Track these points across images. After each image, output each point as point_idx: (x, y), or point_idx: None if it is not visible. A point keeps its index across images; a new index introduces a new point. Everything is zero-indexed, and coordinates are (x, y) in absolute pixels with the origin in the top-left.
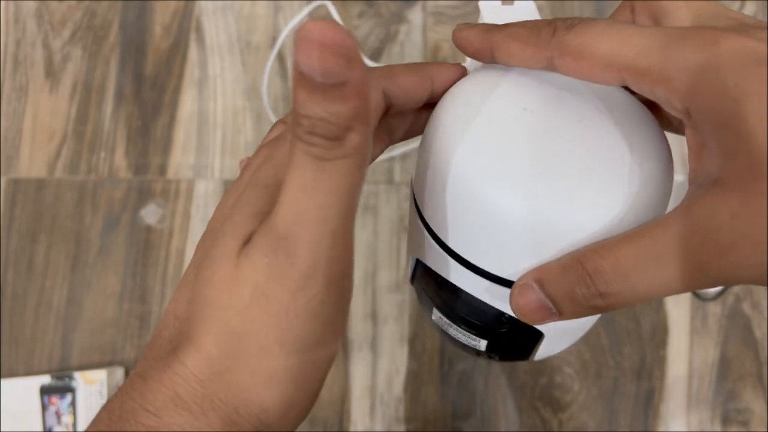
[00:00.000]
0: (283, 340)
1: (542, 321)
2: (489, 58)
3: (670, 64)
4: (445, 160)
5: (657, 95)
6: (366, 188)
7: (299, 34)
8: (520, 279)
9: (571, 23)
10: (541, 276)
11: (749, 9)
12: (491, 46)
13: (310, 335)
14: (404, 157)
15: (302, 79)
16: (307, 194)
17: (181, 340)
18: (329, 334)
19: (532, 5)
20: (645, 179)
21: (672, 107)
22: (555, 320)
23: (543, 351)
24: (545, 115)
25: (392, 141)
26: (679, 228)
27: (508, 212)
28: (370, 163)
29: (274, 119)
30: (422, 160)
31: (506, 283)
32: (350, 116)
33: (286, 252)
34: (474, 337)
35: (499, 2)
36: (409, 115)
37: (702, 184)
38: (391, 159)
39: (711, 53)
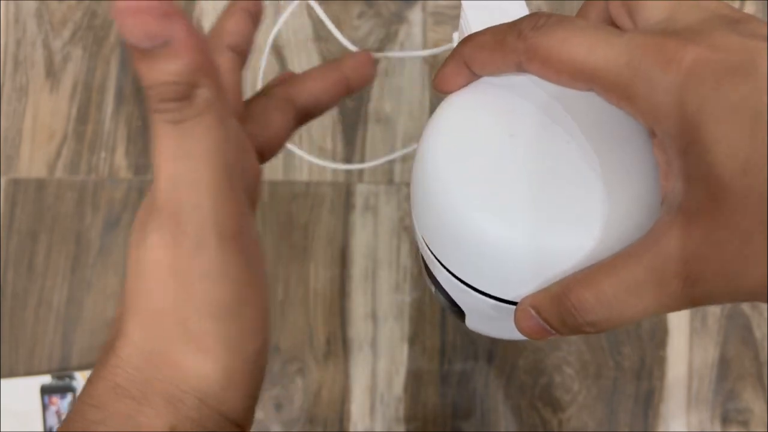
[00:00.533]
0: (197, 307)
1: (545, 338)
2: (471, 75)
3: (635, 82)
4: (434, 192)
5: (624, 110)
6: (366, 188)
7: (113, 10)
8: (520, 304)
9: (536, 23)
10: (534, 303)
11: (749, 9)
12: (465, 63)
13: (223, 297)
14: (405, 158)
15: (135, 52)
16: (176, 162)
17: (115, 336)
18: (246, 294)
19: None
20: (636, 198)
21: (639, 122)
22: (557, 337)
23: None
24: (532, 140)
25: (300, 113)
26: (650, 259)
27: (498, 242)
28: (271, 133)
29: None
30: (414, 189)
31: (505, 301)
32: (189, 72)
33: (174, 222)
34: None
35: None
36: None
37: (670, 208)
38: (391, 159)
39: (674, 73)
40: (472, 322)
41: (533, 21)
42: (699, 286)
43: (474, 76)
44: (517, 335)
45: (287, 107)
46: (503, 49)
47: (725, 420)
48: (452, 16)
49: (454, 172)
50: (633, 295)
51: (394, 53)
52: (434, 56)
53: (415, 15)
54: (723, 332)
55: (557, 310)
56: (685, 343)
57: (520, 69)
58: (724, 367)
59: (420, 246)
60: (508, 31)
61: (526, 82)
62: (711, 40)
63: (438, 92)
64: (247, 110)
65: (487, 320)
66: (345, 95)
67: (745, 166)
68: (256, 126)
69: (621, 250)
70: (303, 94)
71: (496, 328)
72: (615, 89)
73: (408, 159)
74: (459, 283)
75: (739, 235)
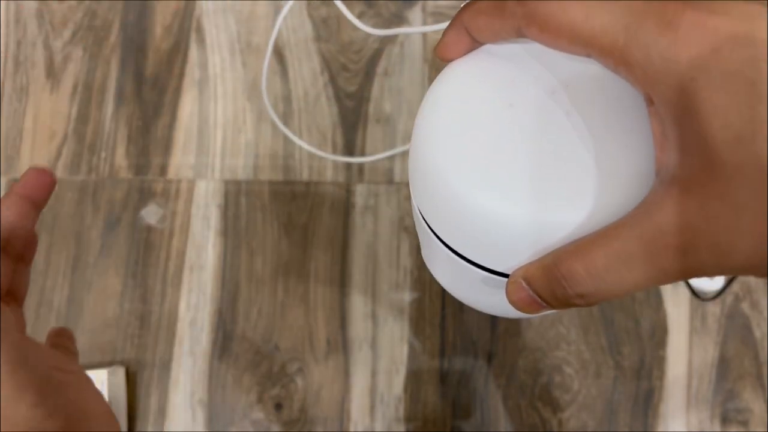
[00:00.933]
0: None
1: (537, 312)
2: (472, 43)
3: (631, 47)
4: (431, 164)
5: (620, 76)
6: (366, 188)
7: None
8: (511, 276)
9: None
10: (526, 275)
11: None
12: (465, 29)
13: None
14: (405, 156)
15: None
16: None
17: None
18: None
19: None
20: (631, 170)
21: (636, 89)
22: (548, 311)
23: None
24: (531, 111)
25: (7, 251)
26: (643, 230)
27: (494, 215)
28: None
29: (275, 118)
30: (413, 161)
31: (500, 274)
32: None
33: None
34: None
35: None
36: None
37: (664, 180)
38: (392, 159)
39: (670, 39)
40: (461, 295)
41: None
42: (691, 258)
43: (475, 44)
44: (512, 311)
45: (2, 254)
46: (502, 14)
47: (725, 420)
48: (452, 16)
49: (452, 144)
50: (624, 266)
51: (399, 30)
52: (434, 56)
53: (415, 15)
54: (723, 332)
55: (548, 281)
56: (685, 343)
57: (519, 34)
58: (723, 366)
59: (416, 217)
60: None
61: (526, 51)
62: (711, 4)
63: (440, 60)
64: None
65: (481, 295)
66: (37, 214)
67: (740, 137)
68: None
69: (614, 222)
70: (5, 230)
71: (491, 304)
72: (612, 54)
73: (407, 159)
74: (454, 255)
75: (732, 207)
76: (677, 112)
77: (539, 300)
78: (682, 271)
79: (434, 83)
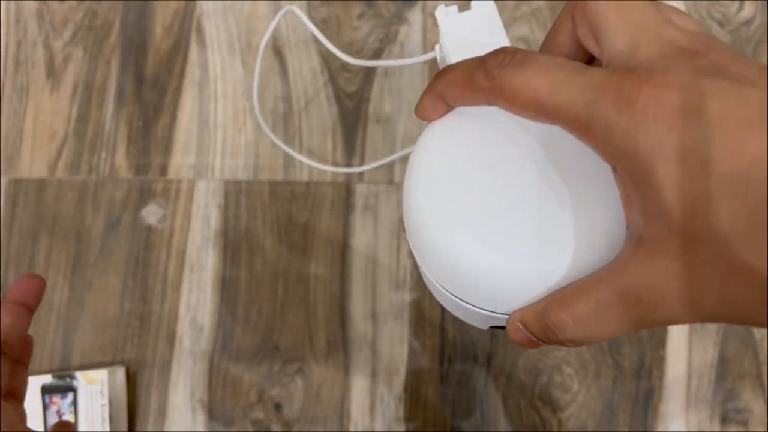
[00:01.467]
0: None
1: (536, 347)
2: (447, 107)
3: (593, 123)
4: (422, 222)
5: (586, 144)
6: (366, 188)
7: None
8: (510, 317)
9: (502, 61)
10: (522, 319)
11: (748, 10)
12: (440, 97)
13: None
14: (405, 158)
15: None
16: None
17: None
18: None
19: (491, 5)
20: (606, 226)
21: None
22: (547, 345)
23: None
24: (509, 171)
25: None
26: (617, 285)
27: (480, 266)
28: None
29: (265, 127)
30: (405, 214)
31: (495, 312)
32: None
33: None
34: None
35: (455, 8)
36: None
37: (632, 237)
38: (392, 160)
39: (628, 117)
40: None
41: (499, 59)
42: (661, 311)
43: (450, 107)
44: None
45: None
46: (473, 86)
47: (724, 420)
48: None
49: (439, 204)
50: (604, 316)
51: (385, 62)
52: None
53: (415, 15)
54: (722, 332)
55: (541, 326)
56: (685, 343)
57: (489, 104)
58: (723, 366)
59: (417, 262)
60: (477, 68)
61: (499, 112)
62: (666, 78)
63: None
64: None
65: (480, 321)
66: (31, 317)
67: (694, 209)
68: None
69: (592, 273)
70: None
71: (489, 324)
72: (576, 127)
73: (407, 159)
74: (450, 294)
75: (692, 268)
76: (638, 184)
77: (535, 340)
78: (656, 322)
79: (417, 144)
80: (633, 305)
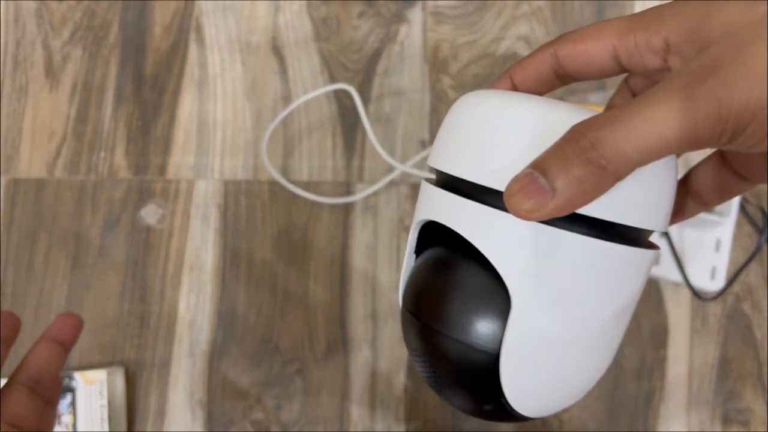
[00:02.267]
0: None
1: (536, 205)
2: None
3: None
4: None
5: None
6: (366, 188)
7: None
8: (519, 173)
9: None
10: (538, 163)
11: None
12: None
13: None
14: (404, 159)
15: None
16: None
17: None
18: None
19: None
20: None
21: (652, 50)
22: (549, 202)
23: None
24: None
25: (39, 391)
26: (668, 82)
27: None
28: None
29: (273, 172)
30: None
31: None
32: None
33: None
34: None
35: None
36: None
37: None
38: (392, 159)
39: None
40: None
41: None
42: (697, 102)
43: None
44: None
45: (32, 394)
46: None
47: (725, 420)
48: (452, 16)
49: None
50: (645, 106)
51: (349, 199)
52: (434, 56)
53: (415, 15)
54: (723, 332)
55: (557, 146)
56: (686, 343)
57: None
58: (724, 367)
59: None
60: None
61: None
62: None
63: None
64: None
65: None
66: (66, 355)
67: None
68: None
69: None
70: (32, 369)
71: None
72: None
73: (407, 159)
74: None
75: (721, 68)
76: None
77: (542, 180)
78: (710, 91)
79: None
80: (691, 84)
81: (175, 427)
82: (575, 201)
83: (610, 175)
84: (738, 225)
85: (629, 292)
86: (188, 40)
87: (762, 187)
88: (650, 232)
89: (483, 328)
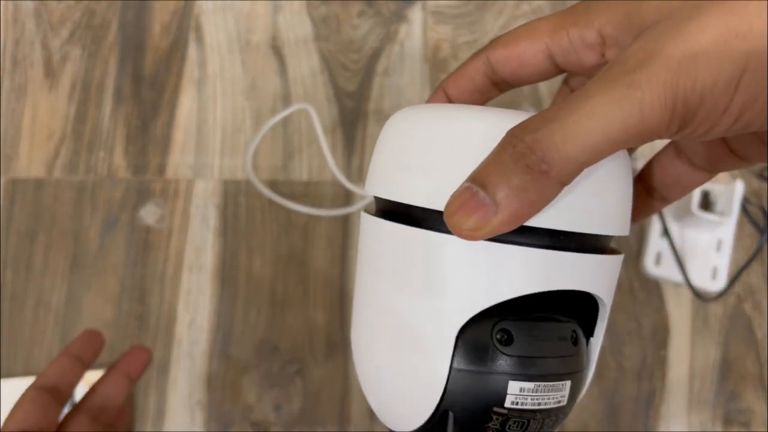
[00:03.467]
0: None
1: (479, 222)
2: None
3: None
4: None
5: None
6: (365, 188)
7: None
8: (458, 189)
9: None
10: (476, 176)
11: None
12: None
13: None
14: None
15: None
16: None
17: None
18: None
19: None
20: None
21: (586, 43)
22: (492, 218)
23: None
24: None
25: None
26: (607, 71)
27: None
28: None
29: (260, 187)
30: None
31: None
32: None
33: None
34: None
35: None
36: None
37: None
38: None
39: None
40: None
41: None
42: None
43: None
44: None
45: (94, 422)
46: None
47: (726, 420)
48: (452, 16)
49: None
50: (585, 96)
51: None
52: (434, 56)
53: (415, 14)
54: (724, 333)
55: (494, 154)
56: (687, 344)
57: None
58: (725, 367)
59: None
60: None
61: None
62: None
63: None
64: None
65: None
66: (132, 387)
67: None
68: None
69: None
70: (97, 399)
71: None
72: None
73: None
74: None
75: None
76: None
77: (481, 194)
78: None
79: None
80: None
81: (174, 428)
82: (520, 213)
83: (554, 181)
84: (739, 225)
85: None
86: (188, 40)
87: (763, 187)
88: (611, 237)
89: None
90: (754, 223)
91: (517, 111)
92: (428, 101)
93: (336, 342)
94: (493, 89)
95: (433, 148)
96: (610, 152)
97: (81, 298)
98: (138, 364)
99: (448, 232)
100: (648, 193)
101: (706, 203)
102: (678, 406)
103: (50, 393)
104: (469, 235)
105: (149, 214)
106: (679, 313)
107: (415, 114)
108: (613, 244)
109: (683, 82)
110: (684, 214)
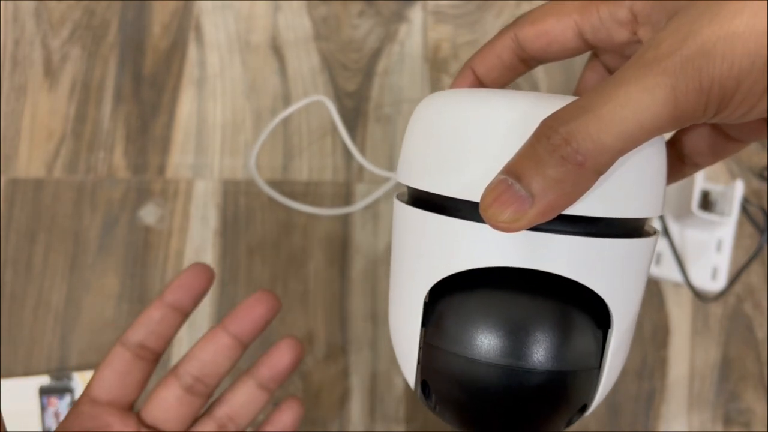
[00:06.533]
0: None
1: (515, 215)
2: None
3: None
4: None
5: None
6: (366, 188)
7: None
8: (493, 180)
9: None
10: (510, 168)
11: None
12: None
13: None
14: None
15: None
16: None
17: None
18: None
19: None
20: None
21: (619, 21)
22: (528, 210)
23: None
24: None
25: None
26: (641, 57)
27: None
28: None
29: (264, 185)
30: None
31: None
32: None
33: None
34: None
35: None
36: None
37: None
38: (391, 158)
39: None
40: None
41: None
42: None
43: None
44: None
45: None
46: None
47: (727, 421)
48: (453, 15)
49: None
50: (633, 103)
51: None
52: (435, 56)
53: (416, 14)
54: (725, 333)
55: (528, 145)
56: (687, 344)
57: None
58: (725, 367)
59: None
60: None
61: None
62: None
63: None
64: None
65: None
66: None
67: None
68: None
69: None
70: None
71: None
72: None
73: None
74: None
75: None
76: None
77: (516, 186)
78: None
79: None
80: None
81: None
82: (556, 204)
83: (589, 171)
84: (739, 225)
85: (640, 283)
86: (187, 40)
87: (763, 187)
88: (646, 219)
89: (583, 347)
90: (754, 223)
91: (548, 95)
92: (455, 80)
93: (336, 342)
94: (521, 66)
95: (464, 137)
96: (645, 140)
97: (81, 298)
98: (252, 323)
99: (481, 221)
100: (680, 159)
101: (706, 203)
102: (678, 406)
103: (134, 352)
104: (506, 228)
105: (149, 214)
106: (680, 313)
107: (445, 101)
108: None
109: (719, 66)
110: (684, 214)
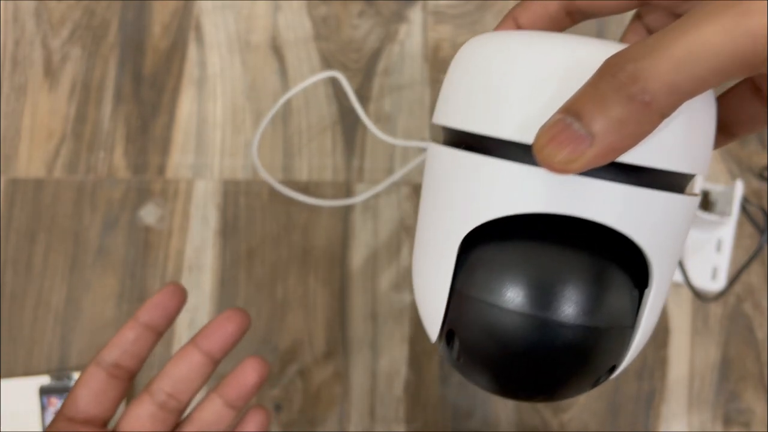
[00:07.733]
0: None
1: (572, 155)
2: None
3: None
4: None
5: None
6: (366, 188)
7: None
8: (549, 120)
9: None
10: (569, 107)
11: None
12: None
13: None
14: (405, 158)
15: None
16: None
17: None
18: None
19: None
20: None
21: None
22: (587, 150)
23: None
24: None
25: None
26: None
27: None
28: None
29: (267, 177)
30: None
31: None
32: None
33: None
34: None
35: None
36: None
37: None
38: (391, 158)
39: None
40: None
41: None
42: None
43: None
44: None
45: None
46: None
47: (727, 421)
48: (453, 15)
49: None
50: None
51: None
52: (435, 56)
53: (416, 14)
54: (725, 333)
55: (592, 82)
56: (687, 344)
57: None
58: (725, 367)
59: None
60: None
61: None
62: None
63: None
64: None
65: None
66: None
67: None
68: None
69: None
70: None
71: None
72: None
73: (408, 159)
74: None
75: None
76: None
77: (575, 124)
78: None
79: None
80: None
81: None
82: (618, 146)
83: (655, 113)
84: (739, 225)
85: (681, 244)
86: (187, 40)
87: (763, 187)
88: (692, 177)
89: (618, 304)
90: (754, 223)
91: (607, 41)
92: (496, 29)
93: (336, 342)
94: (566, 19)
95: (517, 77)
96: (716, 84)
97: (81, 298)
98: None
99: (528, 163)
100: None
101: (706, 203)
102: (678, 406)
103: (109, 372)
104: (561, 169)
105: (149, 214)
106: (679, 313)
107: (498, 41)
108: None
109: None
110: None
